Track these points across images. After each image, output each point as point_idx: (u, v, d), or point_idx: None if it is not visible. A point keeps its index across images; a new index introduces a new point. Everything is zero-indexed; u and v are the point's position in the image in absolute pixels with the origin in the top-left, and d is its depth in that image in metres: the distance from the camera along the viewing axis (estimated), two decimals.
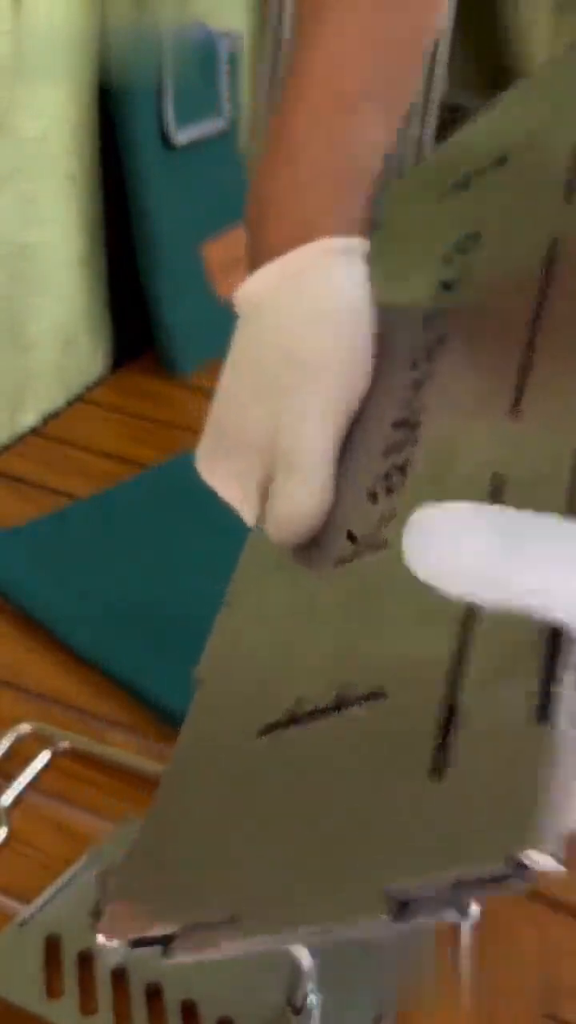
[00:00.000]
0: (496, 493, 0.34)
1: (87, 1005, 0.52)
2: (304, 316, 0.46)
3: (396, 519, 0.38)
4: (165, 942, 0.34)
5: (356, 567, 0.38)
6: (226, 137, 1.05)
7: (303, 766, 0.34)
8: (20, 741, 0.65)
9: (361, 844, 0.30)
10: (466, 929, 0.56)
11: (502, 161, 0.51)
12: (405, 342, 0.46)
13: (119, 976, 0.53)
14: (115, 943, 0.38)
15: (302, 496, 0.41)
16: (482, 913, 0.29)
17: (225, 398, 0.50)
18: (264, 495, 0.44)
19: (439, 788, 0.29)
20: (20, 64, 0.82)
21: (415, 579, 0.28)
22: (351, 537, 0.39)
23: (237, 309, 0.50)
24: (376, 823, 0.30)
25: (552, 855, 0.26)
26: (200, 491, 0.95)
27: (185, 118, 0.98)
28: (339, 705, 0.34)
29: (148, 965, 0.53)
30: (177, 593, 0.75)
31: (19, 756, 0.64)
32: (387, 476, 0.40)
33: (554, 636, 0.29)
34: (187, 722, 0.42)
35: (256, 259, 0.49)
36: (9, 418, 0.92)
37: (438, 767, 0.29)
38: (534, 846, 0.26)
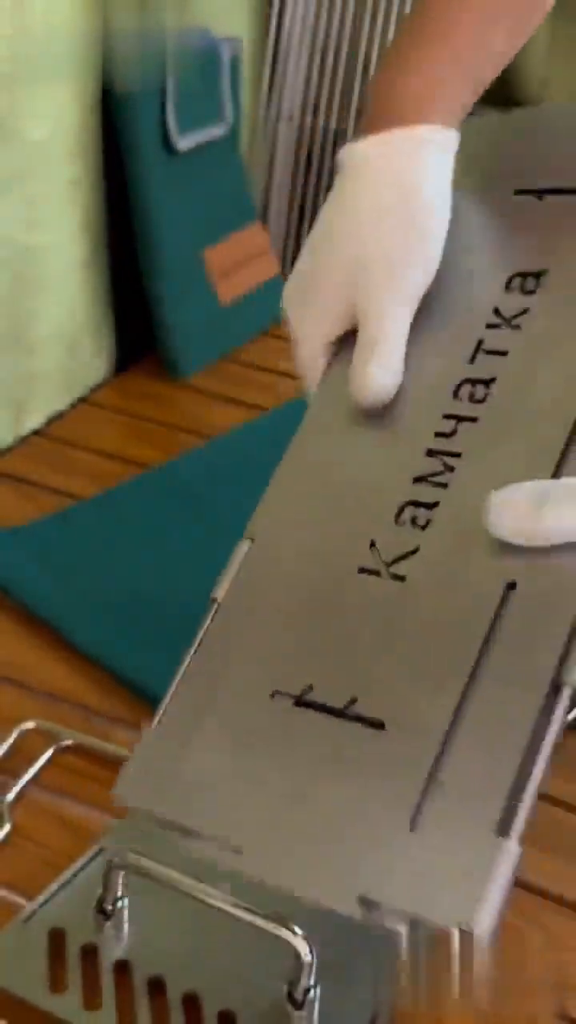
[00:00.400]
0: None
1: (90, 999, 0.52)
2: (390, 199, 0.51)
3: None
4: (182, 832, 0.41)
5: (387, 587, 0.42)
6: (228, 142, 1.06)
7: (310, 750, 0.39)
8: (24, 738, 0.66)
9: (351, 847, 0.38)
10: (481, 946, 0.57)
11: None
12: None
13: (122, 970, 0.54)
14: (126, 803, 0.44)
15: (382, 377, 0.49)
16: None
17: (312, 250, 0.55)
18: (327, 352, 0.52)
19: (414, 839, 0.37)
20: (23, 68, 0.83)
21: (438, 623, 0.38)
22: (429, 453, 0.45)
23: (338, 164, 0.54)
24: (364, 837, 0.38)
25: (487, 935, 0.38)
26: (201, 491, 0.96)
27: (187, 123, 0.99)
28: (344, 713, 0.39)
29: (151, 959, 0.54)
30: (178, 591, 0.75)
31: (23, 753, 0.65)
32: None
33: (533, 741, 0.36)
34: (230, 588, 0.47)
35: (370, 124, 0.53)
36: (14, 420, 0.93)
37: (415, 822, 0.37)
38: (476, 925, 0.38)
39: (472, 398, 0.46)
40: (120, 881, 0.54)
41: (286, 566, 0.46)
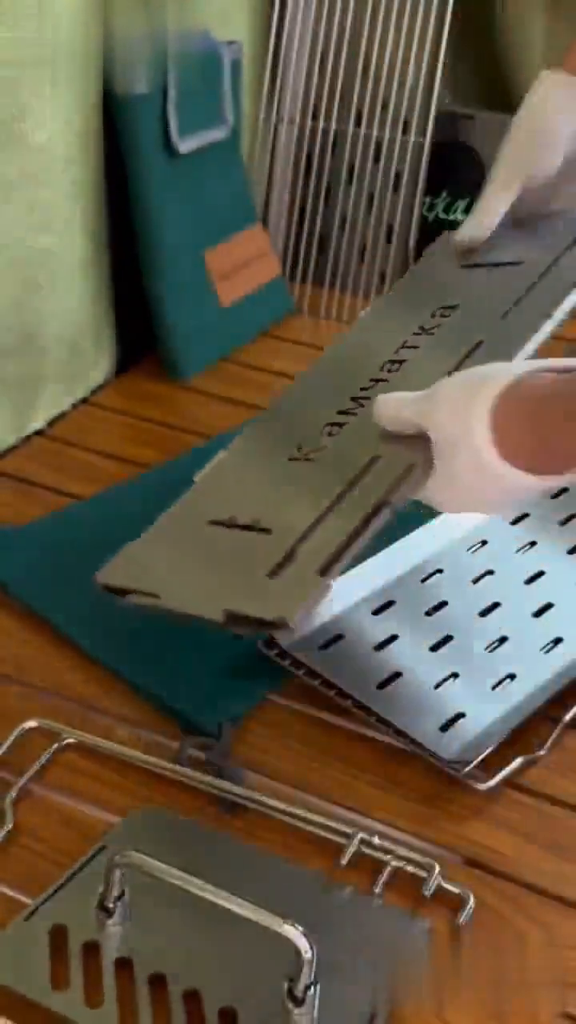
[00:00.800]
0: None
1: (92, 996, 0.53)
2: (527, 117, 0.76)
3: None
4: (122, 593, 0.63)
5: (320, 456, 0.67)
6: (228, 144, 1.06)
7: (222, 548, 0.63)
8: (25, 736, 0.66)
9: (228, 586, 0.59)
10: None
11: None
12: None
13: (123, 967, 0.54)
14: (102, 581, 0.64)
15: (477, 226, 0.76)
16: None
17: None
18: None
19: (270, 582, 0.58)
20: (26, 72, 0.84)
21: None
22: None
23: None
24: (239, 583, 0.59)
25: (296, 623, 0.56)
26: None
27: (188, 125, 0.99)
28: (250, 527, 0.63)
29: (152, 956, 0.54)
30: None
31: (25, 751, 0.65)
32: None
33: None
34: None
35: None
36: (17, 421, 0.93)
37: (273, 573, 0.58)
38: (289, 619, 0.55)
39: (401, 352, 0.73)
40: (121, 879, 0.55)
41: (242, 457, 0.70)
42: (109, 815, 0.62)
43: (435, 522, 0.78)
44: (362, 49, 1.12)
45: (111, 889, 0.55)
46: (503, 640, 0.72)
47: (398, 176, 1.14)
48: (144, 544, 0.66)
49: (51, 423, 0.97)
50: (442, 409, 0.58)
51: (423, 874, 0.58)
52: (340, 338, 0.79)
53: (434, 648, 0.71)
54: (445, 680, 0.69)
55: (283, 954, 0.51)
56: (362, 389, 0.69)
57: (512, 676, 0.69)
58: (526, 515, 0.81)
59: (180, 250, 1.01)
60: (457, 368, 0.66)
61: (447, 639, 0.71)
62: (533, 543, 0.80)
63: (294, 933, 0.50)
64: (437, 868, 0.58)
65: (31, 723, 0.67)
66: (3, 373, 0.90)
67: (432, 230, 1.17)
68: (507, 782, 0.64)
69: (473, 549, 0.79)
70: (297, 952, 0.50)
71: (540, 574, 0.77)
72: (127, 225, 0.99)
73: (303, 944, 0.50)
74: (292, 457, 0.66)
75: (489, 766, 0.64)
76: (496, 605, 0.74)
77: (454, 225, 1.17)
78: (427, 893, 0.58)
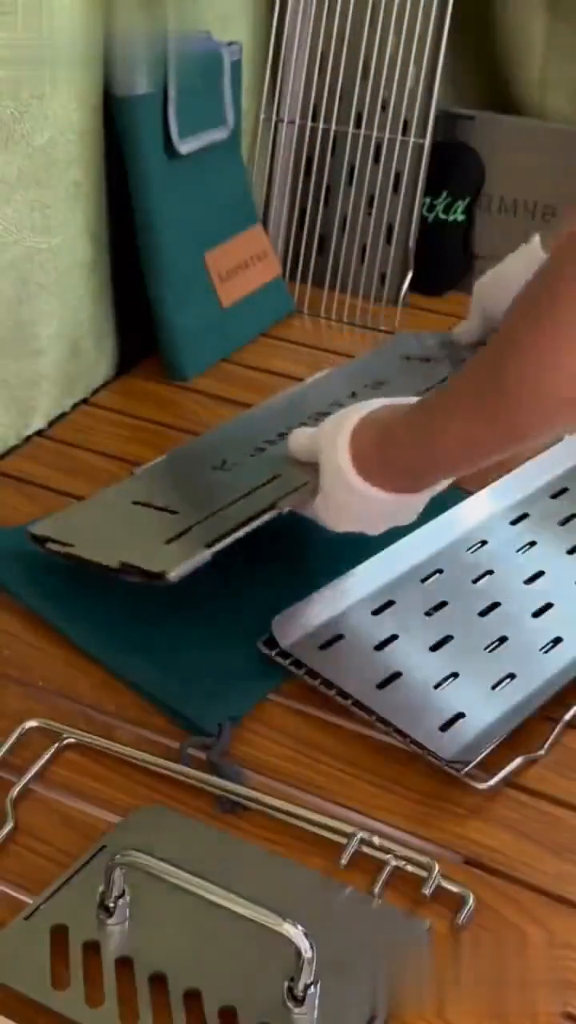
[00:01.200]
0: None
1: (93, 995, 0.53)
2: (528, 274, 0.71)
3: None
4: (43, 543, 0.76)
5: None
6: (229, 145, 1.06)
7: (135, 520, 0.78)
8: (27, 736, 0.66)
9: (133, 547, 0.73)
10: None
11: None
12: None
13: (124, 966, 0.54)
14: (31, 531, 0.78)
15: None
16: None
17: (491, 278, 0.87)
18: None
19: (167, 547, 0.71)
20: (27, 73, 0.84)
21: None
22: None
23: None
24: (145, 547, 0.72)
25: (173, 578, 0.69)
26: None
27: (189, 127, 0.99)
28: (165, 509, 0.77)
29: (153, 956, 0.54)
30: (177, 590, 0.76)
31: (26, 751, 0.65)
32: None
33: None
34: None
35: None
36: (18, 421, 0.93)
37: (169, 542, 0.72)
38: (169, 574, 0.69)
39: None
40: (122, 878, 0.55)
41: (178, 462, 0.87)
42: (110, 814, 0.62)
43: (434, 523, 0.78)
44: (362, 50, 1.12)
45: (112, 888, 0.55)
46: (503, 640, 0.72)
47: (398, 176, 1.14)
48: (75, 510, 0.82)
49: (51, 423, 0.97)
50: (324, 439, 0.70)
51: (423, 874, 0.59)
52: (287, 390, 0.94)
53: (434, 648, 0.71)
54: (445, 680, 0.69)
55: (283, 953, 0.51)
56: (288, 427, 0.79)
57: (512, 676, 0.69)
58: (526, 515, 0.82)
59: (180, 251, 1.01)
60: None
61: (447, 639, 0.72)
62: (533, 543, 0.80)
63: (294, 932, 0.50)
64: (437, 868, 0.59)
65: (32, 723, 0.67)
66: (4, 373, 0.90)
67: (432, 230, 1.18)
68: (507, 782, 0.64)
69: (473, 549, 0.79)
70: (297, 951, 0.50)
71: (540, 574, 0.77)
72: (127, 226, 0.99)
73: (303, 943, 0.50)
74: (215, 467, 0.81)
75: (489, 766, 0.64)
76: (496, 605, 0.74)
77: (454, 225, 1.18)
78: (427, 893, 0.58)
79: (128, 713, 0.69)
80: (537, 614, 0.74)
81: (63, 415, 0.98)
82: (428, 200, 1.17)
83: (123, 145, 0.96)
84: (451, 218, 1.18)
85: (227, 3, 1.08)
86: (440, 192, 1.17)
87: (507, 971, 0.55)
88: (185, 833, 0.61)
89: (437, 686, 0.69)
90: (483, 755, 0.64)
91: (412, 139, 1.12)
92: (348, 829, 0.61)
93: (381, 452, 0.67)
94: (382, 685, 0.68)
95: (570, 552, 0.79)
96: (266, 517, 0.71)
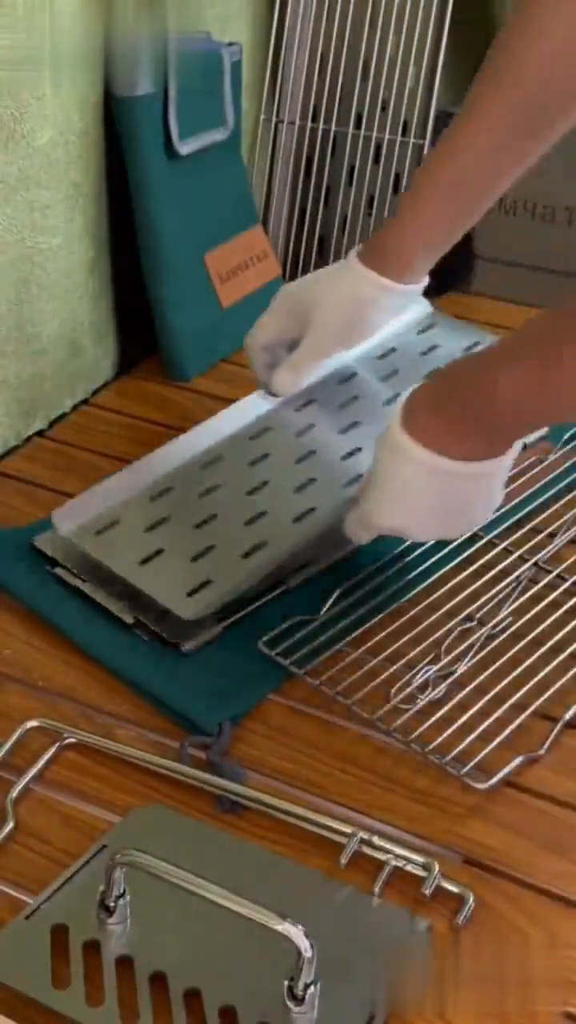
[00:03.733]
0: None
1: (93, 994, 0.53)
2: (341, 307, 0.79)
3: None
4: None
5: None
6: (229, 146, 1.06)
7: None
8: (27, 736, 0.66)
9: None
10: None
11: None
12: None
13: (124, 966, 0.54)
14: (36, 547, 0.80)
15: (292, 383, 0.81)
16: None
17: (299, 286, 0.82)
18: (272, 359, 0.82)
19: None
20: (27, 74, 0.84)
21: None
22: None
23: (347, 257, 0.79)
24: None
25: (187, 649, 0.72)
26: None
27: (189, 127, 0.99)
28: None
29: (152, 955, 0.54)
30: None
31: (27, 750, 0.65)
32: None
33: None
34: None
35: (365, 250, 0.78)
36: (18, 422, 0.94)
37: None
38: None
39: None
40: (122, 878, 0.55)
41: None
42: (110, 814, 0.62)
43: (222, 414, 0.85)
44: (362, 50, 1.12)
45: (112, 888, 0.55)
46: (263, 514, 0.77)
47: (398, 177, 1.14)
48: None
49: (52, 423, 0.97)
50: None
51: (423, 873, 0.59)
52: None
53: (199, 526, 0.77)
54: (202, 553, 0.74)
55: (283, 953, 0.51)
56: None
57: (262, 545, 0.74)
58: (312, 400, 0.86)
59: (180, 251, 1.01)
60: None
61: (211, 517, 0.77)
62: (312, 425, 0.85)
63: (294, 932, 0.50)
64: (437, 867, 0.59)
65: (33, 723, 0.67)
66: (4, 373, 0.90)
67: None
68: (507, 782, 0.64)
69: (256, 436, 0.84)
70: (297, 951, 0.51)
71: (312, 453, 0.82)
72: (128, 226, 0.99)
73: (303, 943, 0.50)
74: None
75: (489, 766, 0.64)
76: (264, 483, 0.80)
77: None
78: (427, 892, 0.58)
79: (128, 713, 0.69)
80: (299, 489, 0.79)
81: (63, 415, 0.98)
82: None
83: (123, 145, 0.96)
84: None
85: (227, 3, 1.08)
86: None
87: (507, 971, 0.55)
88: (185, 833, 0.61)
89: (194, 559, 0.74)
90: (213, 610, 0.71)
91: (412, 140, 1.12)
92: (348, 829, 0.61)
93: (443, 408, 0.59)
94: (145, 561, 0.74)
95: (343, 431, 0.84)
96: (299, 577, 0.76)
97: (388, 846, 0.60)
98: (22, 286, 0.89)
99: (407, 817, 0.62)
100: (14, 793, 0.63)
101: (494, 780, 0.63)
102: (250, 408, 0.86)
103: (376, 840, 0.60)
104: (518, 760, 0.64)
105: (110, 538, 0.76)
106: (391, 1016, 0.53)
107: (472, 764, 0.63)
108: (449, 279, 1.21)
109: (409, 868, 0.59)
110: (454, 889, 0.58)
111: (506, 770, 0.64)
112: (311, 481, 0.79)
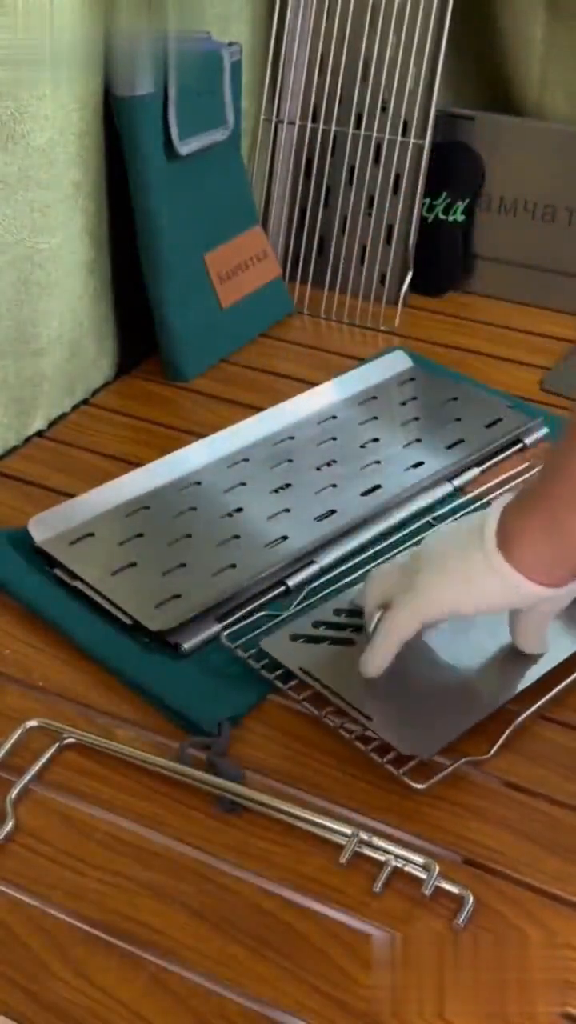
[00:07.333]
0: None
1: None
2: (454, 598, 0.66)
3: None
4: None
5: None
6: (229, 146, 1.06)
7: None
8: (27, 736, 0.66)
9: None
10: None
11: None
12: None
13: None
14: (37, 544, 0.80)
15: (372, 663, 0.68)
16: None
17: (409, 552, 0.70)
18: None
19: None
20: (27, 74, 0.84)
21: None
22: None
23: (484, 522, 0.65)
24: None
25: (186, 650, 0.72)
26: None
27: (189, 127, 0.99)
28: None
29: None
30: None
31: (27, 751, 0.65)
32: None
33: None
34: None
35: (502, 535, 0.64)
36: (18, 422, 0.94)
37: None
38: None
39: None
40: None
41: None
42: (110, 814, 0.62)
43: (199, 444, 0.90)
44: (362, 51, 1.12)
45: None
46: (236, 537, 0.80)
47: (398, 177, 1.14)
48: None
49: (51, 424, 0.97)
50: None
51: (422, 874, 0.59)
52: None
53: (172, 544, 0.80)
54: (173, 569, 0.77)
55: None
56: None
57: (233, 566, 0.77)
58: (291, 437, 0.92)
59: (180, 251, 1.01)
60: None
61: (185, 536, 0.80)
62: (290, 460, 0.89)
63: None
64: (436, 868, 0.59)
65: (32, 723, 0.67)
66: (3, 374, 0.90)
67: (432, 231, 1.18)
68: (507, 782, 0.64)
69: (236, 464, 0.89)
70: None
71: (287, 486, 0.86)
72: (127, 226, 0.99)
73: None
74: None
75: (485, 766, 0.64)
76: (239, 510, 0.83)
77: (454, 225, 1.18)
78: (426, 893, 0.58)
79: (128, 713, 0.69)
80: (272, 517, 0.82)
81: (63, 415, 0.98)
82: (428, 200, 1.17)
83: (123, 146, 0.96)
84: (451, 218, 1.18)
85: (227, 3, 1.08)
86: (440, 192, 1.17)
87: (507, 971, 0.55)
88: None
89: (165, 573, 0.76)
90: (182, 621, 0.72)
91: (412, 140, 1.12)
92: (348, 829, 0.61)
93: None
94: (116, 572, 0.76)
95: (317, 468, 0.88)
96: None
97: (388, 846, 0.60)
98: (22, 286, 0.89)
99: (407, 817, 0.62)
100: (14, 793, 0.63)
101: (432, 781, 0.63)
102: (232, 437, 0.91)
103: (376, 840, 0.60)
104: (461, 761, 0.64)
105: (83, 549, 0.79)
106: (392, 1016, 0.52)
107: (465, 761, 0.63)
108: (449, 279, 1.21)
109: (409, 868, 0.59)
110: (454, 889, 0.58)
111: (444, 772, 0.63)
112: (284, 511, 0.83)
